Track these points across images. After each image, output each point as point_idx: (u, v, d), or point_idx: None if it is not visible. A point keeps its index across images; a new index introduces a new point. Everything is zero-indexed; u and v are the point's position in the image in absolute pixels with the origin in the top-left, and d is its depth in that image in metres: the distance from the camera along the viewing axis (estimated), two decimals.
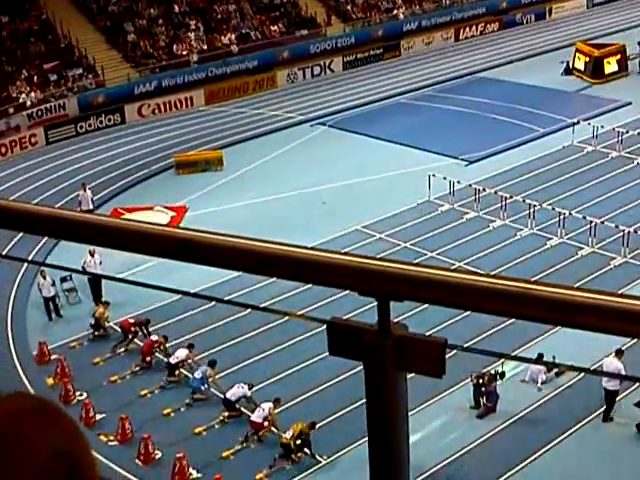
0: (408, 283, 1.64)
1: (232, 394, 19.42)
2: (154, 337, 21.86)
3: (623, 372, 18.65)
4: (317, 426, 18.44)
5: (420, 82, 45.47)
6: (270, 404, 18.77)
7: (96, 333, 23.06)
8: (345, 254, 1.71)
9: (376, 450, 1.77)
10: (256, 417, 18.72)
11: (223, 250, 1.86)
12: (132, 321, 22.61)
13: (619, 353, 18.73)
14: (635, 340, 17.86)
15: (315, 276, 1.76)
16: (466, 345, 18.57)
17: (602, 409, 19.06)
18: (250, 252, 1.82)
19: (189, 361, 21.05)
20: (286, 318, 21.52)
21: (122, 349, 22.37)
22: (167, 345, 21.76)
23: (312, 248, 1.75)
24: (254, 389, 19.66)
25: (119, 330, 22.84)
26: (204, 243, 1.88)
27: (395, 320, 1.71)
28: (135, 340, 22.45)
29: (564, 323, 1.57)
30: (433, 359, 1.65)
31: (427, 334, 1.73)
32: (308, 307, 21.82)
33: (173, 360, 20.93)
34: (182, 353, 21.05)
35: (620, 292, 1.58)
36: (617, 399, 19.01)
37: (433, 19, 53.58)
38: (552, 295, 1.52)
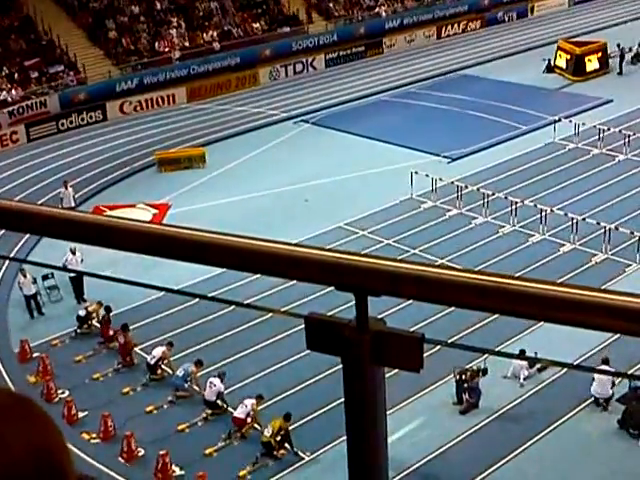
0: (386, 278, 1.64)
1: (209, 395, 19.41)
2: (121, 338, 21.71)
3: (616, 379, 18.86)
4: (302, 422, 18.50)
5: (402, 80, 45.51)
6: (253, 400, 18.79)
7: (78, 331, 22.98)
8: (322, 249, 1.71)
9: (354, 445, 1.77)
10: (238, 413, 18.74)
11: (202, 246, 1.85)
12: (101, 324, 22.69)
13: (606, 362, 18.79)
14: (617, 335, 17.96)
15: (293, 271, 1.76)
16: (450, 341, 18.67)
17: (584, 405, 19.21)
18: (228, 248, 1.82)
19: (165, 361, 21.00)
20: (268, 316, 21.50)
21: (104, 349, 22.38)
22: (128, 335, 21.64)
23: (289, 243, 1.75)
24: (236, 385, 19.66)
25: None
26: (184, 239, 1.87)
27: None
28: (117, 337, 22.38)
29: (541, 317, 1.57)
30: (411, 354, 1.65)
31: (411, 329, 1.74)
32: (289, 305, 21.83)
33: (151, 360, 20.90)
34: (158, 351, 20.99)
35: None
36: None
37: (415, 17, 53.63)
38: (527, 289, 1.52)
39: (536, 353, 18.54)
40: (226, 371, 20.19)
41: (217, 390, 19.41)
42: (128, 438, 18.31)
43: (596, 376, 19.01)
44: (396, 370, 1.73)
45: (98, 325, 22.97)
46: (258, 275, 1.90)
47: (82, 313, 23.10)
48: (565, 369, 20.15)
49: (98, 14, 45.64)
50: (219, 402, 19.50)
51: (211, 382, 19.49)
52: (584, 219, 27.11)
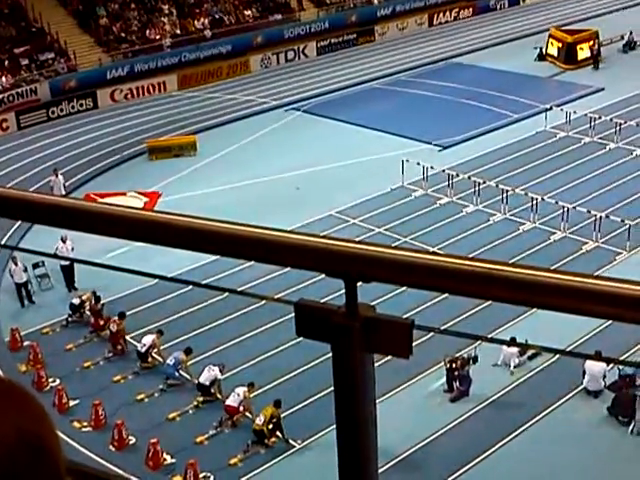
0: (375, 264, 1.64)
1: (205, 378, 19.43)
2: (113, 327, 21.68)
3: (608, 372, 18.94)
4: (292, 410, 18.55)
5: (394, 67, 45.47)
6: (244, 388, 18.80)
7: (70, 319, 22.93)
8: (311, 235, 1.70)
9: (344, 432, 1.77)
10: (231, 401, 18.75)
11: (193, 233, 1.85)
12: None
13: (598, 354, 18.82)
14: (609, 322, 18.05)
15: (282, 258, 1.75)
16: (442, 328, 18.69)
17: (574, 392, 19.30)
18: (219, 235, 1.82)
19: (155, 349, 20.99)
20: (260, 303, 21.52)
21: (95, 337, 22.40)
22: (123, 325, 21.68)
23: (278, 230, 1.75)
24: (227, 374, 19.69)
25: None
26: (175, 226, 1.87)
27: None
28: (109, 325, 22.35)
29: (531, 304, 1.58)
30: (400, 340, 1.65)
31: (404, 316, 1.73)
32: (279, 292, 21.84)
33: (141, 348, 20.89)
34: (148, 339, 20.99)
35: None
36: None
37: (407, 4, 53.52)
38: (516, 275, 1.52)
39: (526, 340, 18.64)
40: (217, 359, 20.22)
41: (214, 376, 19.40)
42: (119, 426, 18.31)
43: (588, 371, 19.09)
44: (387, 357, 1.74)
45: (90, 314, 22.93)
46: (249, 263, 1.91)
47: (76, 301, 23.05)
48: (555, 357, 20.22)
49: (89, 1, 45.42)
50: (212, 389, 19.50)
51: (210, 367, 19.53)
52: (575, 207, 27.17)
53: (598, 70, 43.73)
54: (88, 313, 22.91)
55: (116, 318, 21.77)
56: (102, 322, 22.35)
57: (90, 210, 1.99)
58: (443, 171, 30.40)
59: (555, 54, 45.20)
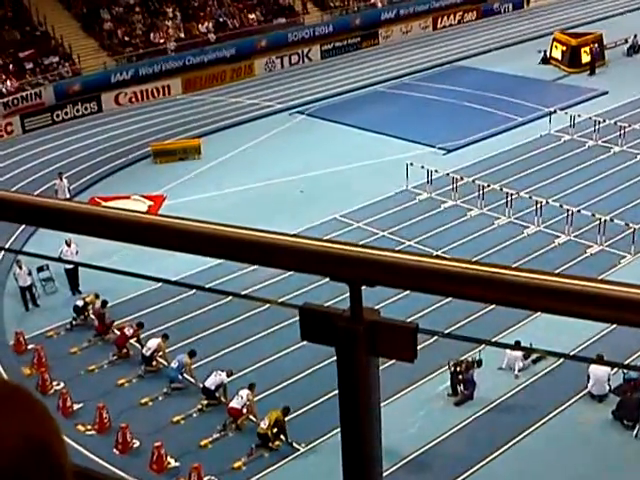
0: (380, 268, 1.64)
1: (211, 383, 19.42)
2: (128, 330, 21.66)
3: (612, 376, 18.89)
4: (296, 414, 18.54)
5: (398, 71, 45.48)
6: (247, 390, 18.80)
7: (74, 322, 22.93)
8: (316, 239, 1.71)
9: (348, 435, 1.77)
10: (235, 404, 18.75)
11: (198, 237, 1.85)
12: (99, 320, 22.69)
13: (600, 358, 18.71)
14: (614, 326, 18.03)
15: (286, 262, 1.75)
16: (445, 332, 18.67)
17: (579, 396, 19.26)
18: (224, 238, 1.82)
19: (160, 353, 20.98)
20: (264, 307, 21.51)
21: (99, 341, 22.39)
22: (140, 333, 21.67)
23: (282, 233, 1.75)
24: (231, 377, 19.68)
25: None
26: (180, 230, 1.87)
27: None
28: (113, 330, 22.36)
29: (536, 308, 1.58)
30: (405, 344, 1.65)
31: (408, 320, 1.73)
32: (284, 296, 21.84)
33: (146, 352, 20.87)
34: (154, 343, 20.97)
35: None
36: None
37: (411, 8, 53.57)
38: (523, 279, 1.53)
39: (531, 344, 18.62)
40: (222, 363, 20.21)
41: (220, 380, 19.40)
42: (123, 430, 18.31)
43: (592, 375, 19.06)
44: (392, 361, 1.73)
45: (94, 317, 22.95)
46: (253, 266, 1.91)
47: (80, 303, 23.09)
48: (560, 361, 20.19)
49: (93, 5, 45.50)
50: (217, 394, 19.50)
51: (217, 372, 19.53)
52: (579, 211, 27.14)
53: (594, 75, 43.51)
54: (92, 317, 22.93)
55: (135, 326, 21.84)
56: (105, 327, 22.36)
57: (94, 214, 2.00)
58: (447, 174, 30.40)
59: (559, 57, 45.18)
